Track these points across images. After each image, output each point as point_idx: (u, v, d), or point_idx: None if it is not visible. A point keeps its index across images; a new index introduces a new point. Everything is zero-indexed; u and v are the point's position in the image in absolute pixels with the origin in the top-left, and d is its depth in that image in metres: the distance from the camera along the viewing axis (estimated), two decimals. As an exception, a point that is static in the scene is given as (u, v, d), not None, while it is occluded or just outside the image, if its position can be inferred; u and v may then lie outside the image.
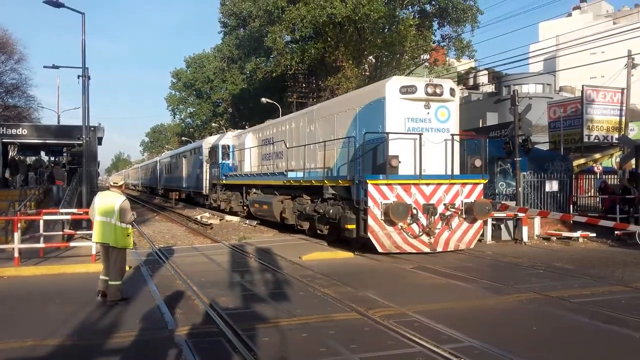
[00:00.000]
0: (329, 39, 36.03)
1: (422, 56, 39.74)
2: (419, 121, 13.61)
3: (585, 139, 26.82)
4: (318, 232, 15.94)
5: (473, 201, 13.53)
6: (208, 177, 30.63)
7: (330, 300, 8.78)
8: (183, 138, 75.80)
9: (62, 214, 15.12)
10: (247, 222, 23.24)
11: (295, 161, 18.34)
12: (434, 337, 6.68)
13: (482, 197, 14.02)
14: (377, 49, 36.35)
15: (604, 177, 24.47)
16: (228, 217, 25.36)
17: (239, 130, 28.73)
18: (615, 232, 16.30)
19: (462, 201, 13.53)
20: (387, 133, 12.91)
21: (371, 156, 13.92)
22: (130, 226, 9.15)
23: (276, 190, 19.40)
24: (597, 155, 27.78)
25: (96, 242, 9.26)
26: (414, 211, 12.90)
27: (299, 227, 17.64)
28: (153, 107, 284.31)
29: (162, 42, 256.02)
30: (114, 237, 8.85)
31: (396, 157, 12.72)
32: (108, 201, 8.98)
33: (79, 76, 22.07)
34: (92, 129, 25.42)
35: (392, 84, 13.61)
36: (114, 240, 8.86)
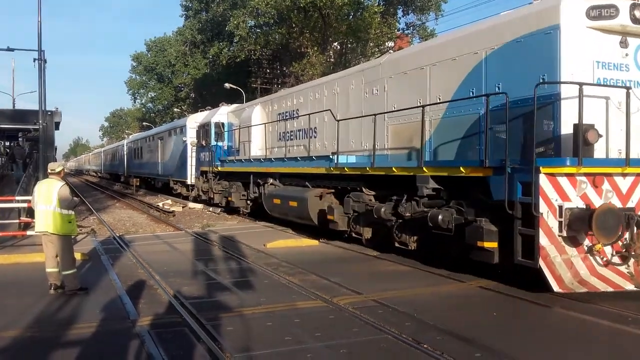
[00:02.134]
0: (294, 25, 35.81)
1: (386, 44, 39.83)
2: (613, 68, 8.43)
3: None
4: (397, 244, 11.04)
5: None
6: (194, 163, 25.17)
7: (295, 288, 8.77)
8: (144, 123, 74.48)
9: (18, 201, 14.71)
10: (211, 209, 22.99)
11: (344, 139, 13.01)
12: (398, 324, 6.73)
13: None
14: (342, 35, 36.32)
15: None
16: (191, 205, 25.08)
17: (237, 105, 23.25)
18: None
19: None
20: (580, 84, 7.55)
21: (519, 129, 8.51)
22: (73, 212, 8.92)
23: (308, 181, 14.62)
24: None
25: (37, 232, 8.96)
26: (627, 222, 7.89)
27: (354, 234, 12.77)
28: (113, 91, 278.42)
29: (121, 25, 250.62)
30: (55, 224, 8.58)
31: (593, 128, 7.69)
32: (47, 188, 8.73)
33: (34, 59, 21.39)
34: (49, 113, 24.65)
35: (573, 3, 8.18)
36: (56, 228, 8.58)
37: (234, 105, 23.12)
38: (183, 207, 24.66)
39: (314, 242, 13.70)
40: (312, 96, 15.27)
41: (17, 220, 14.59)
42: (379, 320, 6.91)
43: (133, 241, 14.40)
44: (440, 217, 9.21)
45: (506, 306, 7.74)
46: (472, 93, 9.48)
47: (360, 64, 16.20)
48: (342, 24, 35.40)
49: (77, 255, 10.21)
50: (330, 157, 13.00)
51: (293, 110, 16.40)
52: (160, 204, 25.66)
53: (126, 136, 74.66)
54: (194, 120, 26.44)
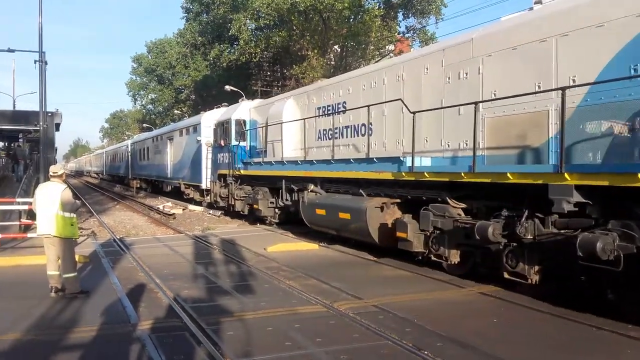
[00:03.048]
0: (294, 28, 35.85)
1: (387, 47, 39.89)
2: None
3: None
4: (507, 275, 8.38)
5: None
6: (210, 166, 22.70)
7: (296, 293, 8.78)
8: (144, 125, 74.47)
9: (18, 203, 14.70)
10: (211, 212, 22.98)
11: (423, 137, 10.54)
12: (399, 330, 6.74)
13: None
14: (342, 38, 36.36)
15: None
16: (191, 207, 25.06)
17: (260, 100, 20.99)
18: None
19: None
20: None
21: None
22: (75, 215, 8.94)
23: (364, 188, 12.12)
24: None
25: (39, 235, 8.97)
26: None
27: (433, 257, 10.12)
28: (113, 92, 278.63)
29: (122, 27, 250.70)
30: (57, 227, 8.60)
31: None
32: (48, 191, 8.76)
33: (35, 61, 21.42)
34: (50, 114, 24.66)
35: None
36: (58, 230, 8.61)
37: (257, 101, 20.85)
38: (183, 210, 24.66)
39: (313, 246, 13.70)
40: (365, 85, 12.72)
41: (18, 222, 14.59)
42: (379, 325, 6.91)
43: (133, 244, 14.40)
44: (599, 244, 6.47)
45: (507, 313, 7.73)
46: (636, 71, 7.00)
47: (437, 42, 12.88)
48: (342, 27, 35.46)
49: (78, 258, 10.20)
50: (402, 158, 10.46)
51: (338, 104, 13.83)
52: (161, 207, 25.64)
53: (126, 137, 74.57)
54: (209, 118, 24.00)
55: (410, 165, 10.03)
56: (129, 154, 46.17)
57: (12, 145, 34.02)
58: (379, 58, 39.86)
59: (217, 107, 25.48)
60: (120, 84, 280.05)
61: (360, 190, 12.25)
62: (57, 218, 8.59)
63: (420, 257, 10.48)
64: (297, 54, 37.75)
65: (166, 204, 26.72)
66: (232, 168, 19.40)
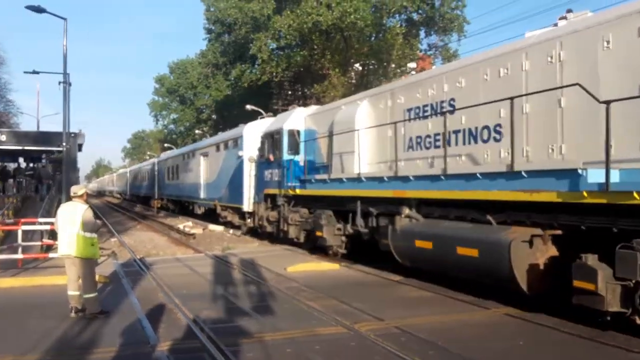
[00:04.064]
0: (315, 47, 36.02)
1: (408, 65, 39.86)
2: None
3: None
4: None
5: None
6: (253, 184, 19.99)
7: (316, 314, 8.65)
8: (165, 144, 75.26)
9: (40, 223, 14.82)
10: (232, 231, 22.96)
11: (588, 141, 7.77)
12: (421, 352, 6.58)
13: None
14: (363, 57, 36.41)
15: None
16: (211, 227, 25.04)
17: (317, 107, 17.90)
18: None
19: None
20: None
21: None
22: (96, 235, 8.94)
23: (493, 214, 9.09)
24: None
25: (61, 255, 8.98)
26: None
27: (638, 320, 6.93)
28: (135, 113, 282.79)
29: (145, 48, 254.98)
30: (79, 247, 8.62)
31: None
32: (70, 211, 8.79)
33: (59, 82, 21.75)
34: (73, 135, 25.05)
35: None
36: (79, 251, 8.62)
37: (314, 107, 17.66)
38: (204, 230, 24.69)
39: (335, 266, 13.55)
40: (489, 74, 9.63)
41: (40, 243, 14.70)
42: (401, 348, 6.75)
43: (153, 264, 14.40)
44: None
45: (533, 335, 7.51)
46: None
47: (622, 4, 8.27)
48: (363, 45, 35.53)
49: (99, 278, 10.20)
50: (580, 171, 7.39)
51: (442, 102, 10.72)
52: (181, 226, 25.72)
53: (147, 157, 75.30)
54: (253, 130, 21.19)
55: (601, 181, 6.95)
56: (155, 172, 43.54)
57: (36, 165, 34.61)
58: (401, 76, 39.83)
59: (261, 118, 23.40)
60: (142, 104, 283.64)
61: (488, 217, 9.15)
62: (78, 238, 8.61)
63: (608, 318, 7.14)
64: (317, 73, 37.87)
65: (186, 224, 26.80)
66: (283, 187, 16.62)
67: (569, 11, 9.11)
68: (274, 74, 37.80)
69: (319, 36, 34.80)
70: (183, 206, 34.41)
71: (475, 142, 9.94)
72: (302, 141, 16.33)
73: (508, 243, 8.20)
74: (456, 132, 10.33)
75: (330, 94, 34.58)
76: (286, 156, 16.66)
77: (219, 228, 24.59)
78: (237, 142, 22.86)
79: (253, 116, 37.86)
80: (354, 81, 38.66)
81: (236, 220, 22.91)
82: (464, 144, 10.21)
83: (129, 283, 11.47)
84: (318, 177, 14.74)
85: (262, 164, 18.68)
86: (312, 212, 15.38)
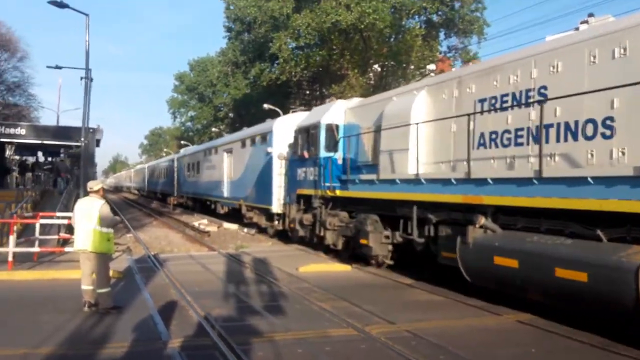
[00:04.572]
0: (334, 47, 36.01)
1: (427, 66, 39.69)
2: None
3: None
4: None
5: None
6: (284, 184, 18.71)
7: (327, 315, 8.66)
8: (182, 142, 75.74)
9: (58, 217, 14.99)
10: (246, 230, 23.03)
11: None
12: (432, 357, 6.56)
13: None
14: (382, 58, 36.33)
15: None
16: (226, 225, 25.14)
17: (360, 99, 15.79)
18: None
19: None
20: None
21: None
22: (112, 231, 9.02)
23: (604, 229, 7.52)
24: None
25: (76, 250, 9.06)
26: None
27: None
28: (153, 110, 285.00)
29: (165, 45, 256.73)
30: (94, 242, 8.70)
31: None
32: (86, 207, 8.88)
33: (81, 78, 22.03)
34: (91, 130, 25.33)
35: None
36: (94, 246, 8.71)
37: (357, 100, 15.59)
38: (218, 227, 24.79)
39: (346, 268, 13.54)
40: (597, 56, 7.87)
41: (57, 236, 14.87)
42: (412, 351, 6.73)
43: (167, 260, 14.50)
44: None
45: (545, 342, 7.44)
46: None
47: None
48: (383, 46, 35.45)
49: (112, 274, 10.30)
50: None
51: (528, 90, 8.94)
52: (196, 224, 25.84)
53: (164, 154, 75.75)
54: (284, 125, 19.67)
55: None
56: (175, 169, 42.18)
57: (54, 159, 35.06)
58: (420, 77, 39.66)
59: (292, 111, 21.92)
60: (160, 101, 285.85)
61: (599, 232, 7.51)
62: (94, 233, 8.70)
63: None
64: (336, 73, 37.86)
65: (201, 221, 26.92)
66: (320, 187, 14.98)
67: (591, 15, 9.04)
68: (293, 73, 37.85)
69: (338, 36, 34.78)
70: (204, 205, 32.74)
71: (575, 139, 8.05)
72: (341, 137, 14.52)
73: (635, 268, 6.55)
74: (547, 126, 8.40)
75: (349, 94, 34.53)
76: (323, 153, 14.95)
77: (233, 226, 24.66)
78: (265, 137, 21.10)
79: (270, 115, 38.13)
80: (372, 82, 38.58)
81: (263, 222, 21.34)
82: (557, 141, 8.30)
83: (142, 279, 11.56)
84: (363, 177, 12.99)
85: (295, 161, 17.03)
86: (353, 217, 13.82)
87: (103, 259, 8.86)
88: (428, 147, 11.09)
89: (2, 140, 29.27)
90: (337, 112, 15.02)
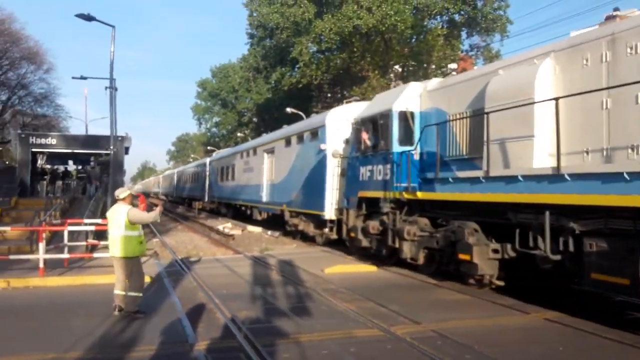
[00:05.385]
0: (355, 49, 36.03)
1: (449, 65, 39.43)
2: None
3: None
4: None
5: None
6: (340, 186, 16.41)
7: (352, 316, 8.66)
8: (208, 147, 76.43)
9: (86, 224, 15.25)
10: (270, 232, 23.12)
11: None
12: (458, 356, 6.52)
13: None
14: (403, 58, 36.24)
15: None
16: (250, 228, 25.26)
17: (441, 79, 13.08)
18: None
19: None
20: None
21: None
22: (142, 233, 9.12)
23: None
24: None
25: (110, 256, 9.19)
26: None
27: None
28: (180, 116, 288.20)
29: (188, 53, 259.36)
30: (122, 248, 8.87)
31: None
32: (115, 214, 9.04)
33: (106, 87, 22.39)
34: (120, 138, 25.75)
35: None
36: (122, 251, 8.87)
37: (436, 81, 12.79)
38: (242, 231, 24.95)
39: (372, 268, 13.52)
40: None
41: (85, 243, 15.12)
42: (437, 352, 6.71)
43: (194, 264, 14.65)
44: None
45: (574, 341, 7.35)
46: None
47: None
48: (404, 47, 35.38)
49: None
50: None
51: None
52: (221, 227, 26.04)
53: (191, 160, 76.44)
54: (340, 117, 17.34)
55: None
56: (207, 173, 40.53)
57: (85, 168, 35.82)
58: (441, 76, 39.40)
59: (346, 102, 19.17)
60: (186, 108, 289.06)
61: None
62: (122, 239, 8.87)
63: None
64: (357, 75, 37.87)
65: (226, 225, 27.11)
66: (392, 188, 12.53)
67: (616, 9, 8.93)
68: (314, 76, 37.98)
69: (359, 39, 34.80)
70: (238, 211, 30.66)
71: None
72: (423, 126, 12.01)
73: None
74: None
75: (370, 96, 34.50)
76: (397, 147, 12.47)
77: (257, 229, 24.76)
78: (316, 133, 18.56)
79: (293, 119, 38.27)
80: (393, 83, 38.47)
81: (310, 229, 19.03)
82: None
83: (170, 283, 11.70)
84: (462, 174, 10.42)
85: (356, 159, 14.56)
86: (438, 224, 11.56)
87: (132, 262, 9.00)
88: (564, 132, 8.29)
89: (34, 150, 29.89)
90: (411, 97, 12.66)
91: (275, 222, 23.87)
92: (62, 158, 35.41)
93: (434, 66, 37.81)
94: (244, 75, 57.26)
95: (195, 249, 19.32)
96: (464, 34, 39.20)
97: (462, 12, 36.56)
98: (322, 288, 11.01)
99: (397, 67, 39.38)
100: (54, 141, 30.48)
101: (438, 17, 37.47)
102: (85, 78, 30.89)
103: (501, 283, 10.17)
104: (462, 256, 10.23)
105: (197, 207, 41.13)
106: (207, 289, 10.89)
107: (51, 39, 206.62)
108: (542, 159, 8.71)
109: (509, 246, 9.68)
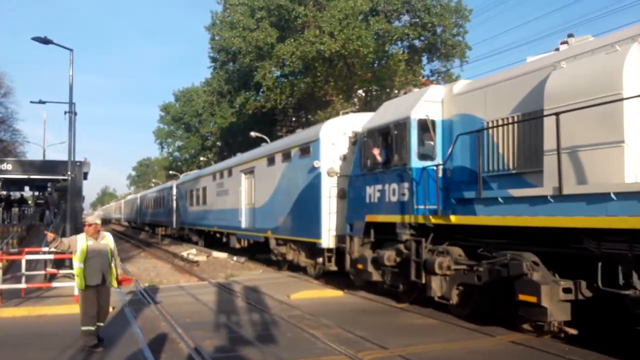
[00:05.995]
0: (318, 74, 36.31)
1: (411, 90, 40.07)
2: None
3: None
4: None
5: None
6: (343, 209, 13.93)
7: (319, 343, 8.55)
8: (170, 172, 75.54)
9: (44, 252, 14.79)
10: (235, 258, 22.82)
11: None
12: (426, 383, 6.49)
13: None
14: (366, 83, 36.67)
15: None
16: (215, 254, 24.90)
17: (467, 81, 11.03)
18: None
19: None
20: None
21: None
22: (78, 266, 8.60)
23: None
24: None
25: (88, 286, 8.45)
26: None
27: None
28: (140, 141, 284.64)
29: (150, 77, 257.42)
30: (112, 275, 8.69)
31: None
32: (100, 240, 8.72)
33: (65, 112, 21.98)
34: (78, 164, 25.21)
35: None
36: (112, 278, 8.69)
37: (464, 83, 10.93)
38: (207, 257, 24.58)
39: (338, 293, 13.44)
40: None
41: (43, 272, 14.66)
42: (405, 377, 6.66)
43: (157, 292, 14.32)
44: None
45: (539, 363, 7.40)
46: None
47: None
48: (366, 72, 35.81)
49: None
50: None
51: None
52: (185, 254, 25.61)
53: (152, 185, 75.40)
54: (334, 130, 15.16)
55: None
56: (173, 197, 38.01)
57: (42, 194, 35.03)
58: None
59: (343, 113, 16.59)
60: (147, 133, 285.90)
61: None
62: (110, 267, 8.73)
63: None
64: (321, 100, 38.13)
65: (190, 251, 26.68)
66: (412, 211, 10.49)
67: (570, 35, 9.18)
68: (278, 101, 38.09)
69: (322, 64, 35.10)
70: (212, 238, 28.30)
71: None
72: (442, 138, 10.67)
73: None
74: None
75: (334, 120, 34.74)
76: (416, 162, 10.57)
77: (222, 255, 24.41)
78: (308, 149, 15.94)
79: (257, 143, 38.14)
80: (357, 107, 38.86)
81: (302, 259, 16.73)
82: None
83: (132, 312, 11.37)
84: (517, 192, 8.27)
85: (360, 177, 12.52)
86: (480, 255, 9.27)
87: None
88: None
89: None
90: (431, 102, 10.89)
91: (257, 250, 21.82)
92: (18, 184, 34.60)
93: (396, 91, 38.33)
94: (208, 99, 57.00)
95: (159, 276, 18.94)
96: (424, 59, 40.00)
97: (422, 38, 37.34)
98: (287, 314, 10.87)
99: (360, 91, 39.85)
100: (9, 167, 29.71)
101: (399, 42, 38.18)
102: (44, 102, 30.25)
103: (574, 331, 8.02)
104: (524, 297, 7.98)
105: (160, 234, 40.36)
106: (170, 318, 10.63)
107: (10, 62, 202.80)
108: (635, 171, 6.97)
109: (583, 284, 7.80)
